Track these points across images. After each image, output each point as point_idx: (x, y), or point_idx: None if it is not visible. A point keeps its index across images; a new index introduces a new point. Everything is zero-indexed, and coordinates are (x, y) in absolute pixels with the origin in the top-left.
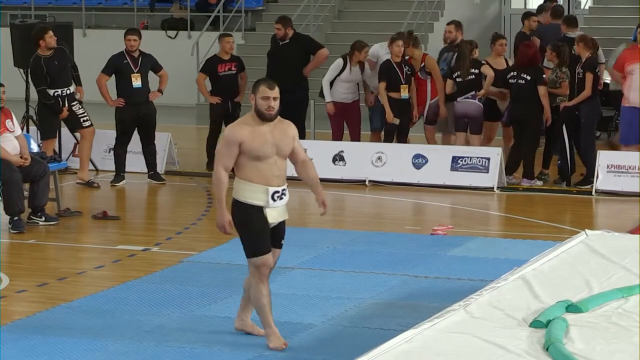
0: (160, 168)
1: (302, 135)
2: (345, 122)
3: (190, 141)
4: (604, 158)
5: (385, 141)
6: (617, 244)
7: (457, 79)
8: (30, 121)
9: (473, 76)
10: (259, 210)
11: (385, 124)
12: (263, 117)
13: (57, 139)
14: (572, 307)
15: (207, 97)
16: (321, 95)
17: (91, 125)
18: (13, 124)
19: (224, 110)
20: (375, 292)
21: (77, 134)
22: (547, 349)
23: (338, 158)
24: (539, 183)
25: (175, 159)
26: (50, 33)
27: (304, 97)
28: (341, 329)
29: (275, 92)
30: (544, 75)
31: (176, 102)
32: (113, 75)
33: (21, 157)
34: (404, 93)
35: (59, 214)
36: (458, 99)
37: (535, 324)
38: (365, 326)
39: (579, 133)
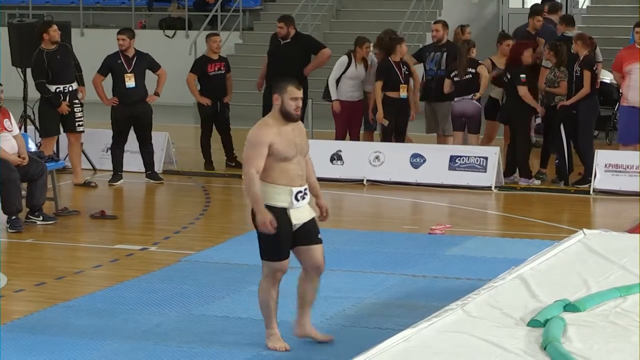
0: (158, 167)
1: None
2: (350, 121)
3: (188, 141)
4: (602, 157)
5: (382, 140)
6: (615, 244)
7: (455, 79)
8: (28, 121)
9: (470, 75)
10: (283, 212)
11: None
12: (290, 118)
13: (57, 137)
14: (569, 307)
15: (197, 97)
16: (325, 96)
17: (83, 131)
18: (11, 123)
19: (213, 110)
20: (373, 292)
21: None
22: (544, 348)
23: (336, 157)
24: (537, 182)
25: (173, 159)
26: (55, 27)
27: (304, 97)
28: (339, 328)
29: (301, 92)
30: (523, 75)
31: (174, 102)
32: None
33: (19, 157)
34: (403, 92)
35: (56, 213)
36: (456, 99)
37: (533, 323)
38: (363, 325)
39: (576, 132)
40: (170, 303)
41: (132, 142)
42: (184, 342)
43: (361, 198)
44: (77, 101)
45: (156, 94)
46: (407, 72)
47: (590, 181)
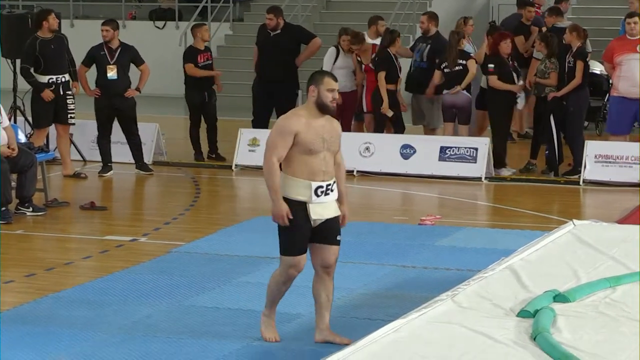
0: (148, 158)
1: None
2: (341, 113)
3: (178, 131)
4: (592, 148)
5: (376, 131)
6: (605, 234)
7: (445, 70)
8: (18, 112)
9: (460, 67)
10: (302, 207)
11: (377, 114)
12: (326, 110)
13: (48, 128)
14: (559, 297)
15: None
16: None
17: (74, 123)
18: (1, 114)
19: (201, 101)
20: (363, 282)
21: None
22: (534, 339)
23: None
24: (508, 172)
25: (163, 150)
26: (54, 15)
27: (294, 87)
28: (329, 319)
29: (337, 84)
30: (491, 65)
31: (164, 93)
32: None
33: (8, 148)
34: (399, 85)
35: (46, 204)
36: (445, 91)
37: (523, 313)
38: (354, 316)
39: (566, 123)
40: (160, 294)
41: (121, 133)
42: (174, 333)
43: (351, 189)
44: (69, 93)
45: (137, 89)
46: (400, 66)
47: (580, 172)
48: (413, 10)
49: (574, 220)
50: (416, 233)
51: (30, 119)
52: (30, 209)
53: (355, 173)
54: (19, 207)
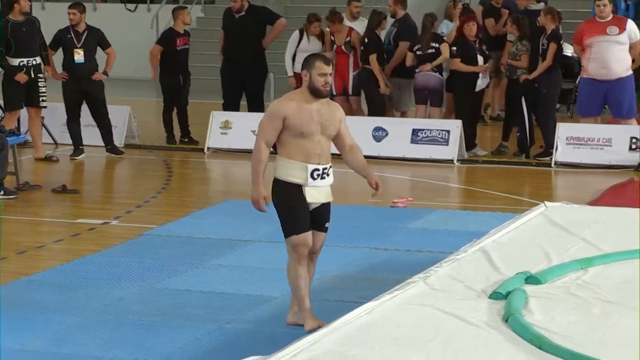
0: (120, 141)
1: (261, 109)
2: None
3: (150, 114)
4: (563, 130)
5: (370, 113)
6: (576, 216)
7: (417, 52)
8: None
9: (433, 50)
10: (298, 189)
11: (370, 96)
12: (318, 94)
13: (20, 111)
14: (531, 279)
15: (153, 72)
16: None
17: (45, 107)
18: None
19: (175, 83)
20: (335, 265)
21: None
22: (506, 320)
23: None
24: (480, 153)
25: (134, 132)
26: None
27: (262, 70)
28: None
29: (330, 68)
30: (453, 48)
31: (136, 76)
32: None
33: None
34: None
35: (18, 187)
36: (417, 71)
37: (495, 295)
38: (326, 298)
39: (538, 105)
40: (132, 277)
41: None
42: (146, 315)
43: None
44: (41, 75)
45: (105, 73)
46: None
47: (551, 153)
48: None
49: (546, 202)
50: (388, 215)
51: (1, 102)
52: (2, 192)
53: None
54: None
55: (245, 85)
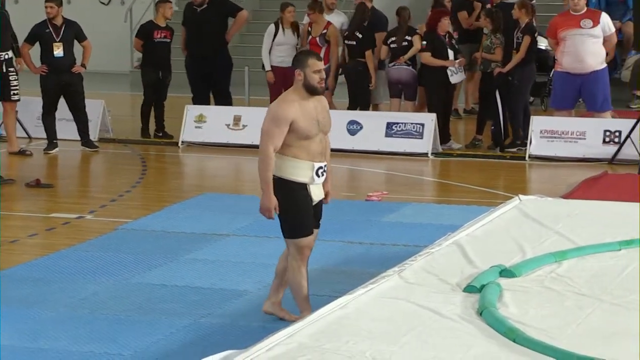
0: (94, 135)
1: (228, 102)
2: (283, 89)
3: (124, 108)
4: (537, 123)
5: (362, 108)
6: (550, 209)
7: (392, 45)
8: None
9: (406, 43)
10: (304, 188)
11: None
12: (314, 91)
13: None
14: (505, 272)
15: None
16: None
17: (19, 99)
18: None
19: (155, 77)
20: (310, 259)
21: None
22: (480, 314)
23: None
24: (455, 146)
25: (108, 126)
26: None
27: (227, 63)
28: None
29: (322, 63)
30: (424, 42)
31: (110, 69)
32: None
33: None
34: None
35: None
36: (390, 65)
37: (469, 288)
38: None
39: (509, 97)
40: (107, 271)
41: (67, 110)
42: (122, 310)
43: None
44: (12, 69)
45: (82, 65)
46: None
47: (518, 145)
48: None
49: (520, 196)
50: (363, 209)
51: None
52: None
53: None
54: None
55: (210, 79)
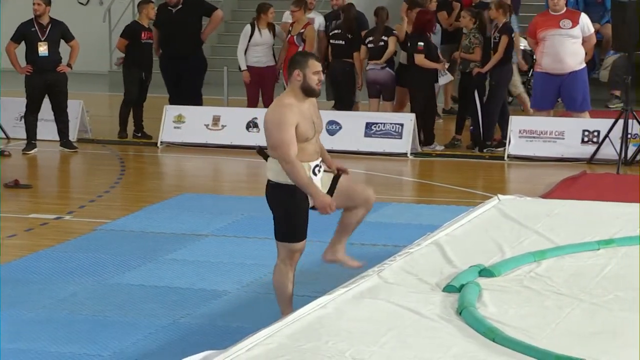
0: (73, 136)
1: (199, 102)
2: (260, 89)
3: (103, 109)
4: (516, 123)
5: (340, 109)
6: (529, 209)
7: (369, 45)
8: None
9: (383, 43)
10: (301, 192)
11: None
12: (312, 93)
13: None
14: (484, 272)
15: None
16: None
17: None
18: None
19: (138, 78)
20: None
21: None
22: (460, 313)
23: (252, 125)
24: (439, 148)
25: (87, 127)
26: None
27: (201, 64)
28: (256, 296)
29: (320, 64)
30: (421, 43)
31: (88, 70)
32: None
33: None
34: None
35: None
36: (368, 66)
37: (449, 288)
38: None
39: (487, 96)
40: (85, 272)
41: (45, 110)
42: (100, 311)
43: None
44: None
45: (69, 65)
46: None
47: (488, 146)
48: None
49: (499, 195)
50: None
51: None
52: None
53: None
54: None
55: (185, 80)
